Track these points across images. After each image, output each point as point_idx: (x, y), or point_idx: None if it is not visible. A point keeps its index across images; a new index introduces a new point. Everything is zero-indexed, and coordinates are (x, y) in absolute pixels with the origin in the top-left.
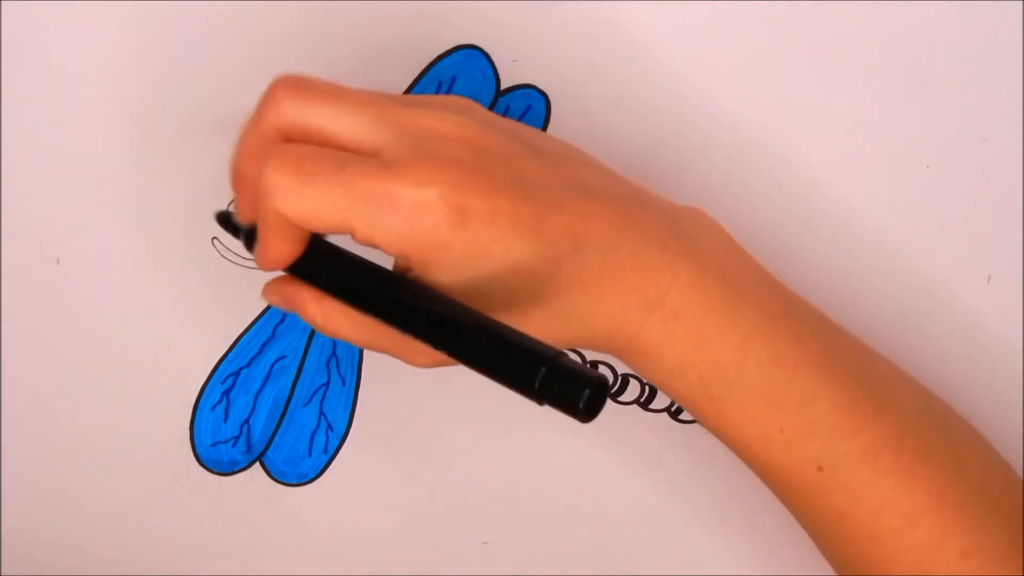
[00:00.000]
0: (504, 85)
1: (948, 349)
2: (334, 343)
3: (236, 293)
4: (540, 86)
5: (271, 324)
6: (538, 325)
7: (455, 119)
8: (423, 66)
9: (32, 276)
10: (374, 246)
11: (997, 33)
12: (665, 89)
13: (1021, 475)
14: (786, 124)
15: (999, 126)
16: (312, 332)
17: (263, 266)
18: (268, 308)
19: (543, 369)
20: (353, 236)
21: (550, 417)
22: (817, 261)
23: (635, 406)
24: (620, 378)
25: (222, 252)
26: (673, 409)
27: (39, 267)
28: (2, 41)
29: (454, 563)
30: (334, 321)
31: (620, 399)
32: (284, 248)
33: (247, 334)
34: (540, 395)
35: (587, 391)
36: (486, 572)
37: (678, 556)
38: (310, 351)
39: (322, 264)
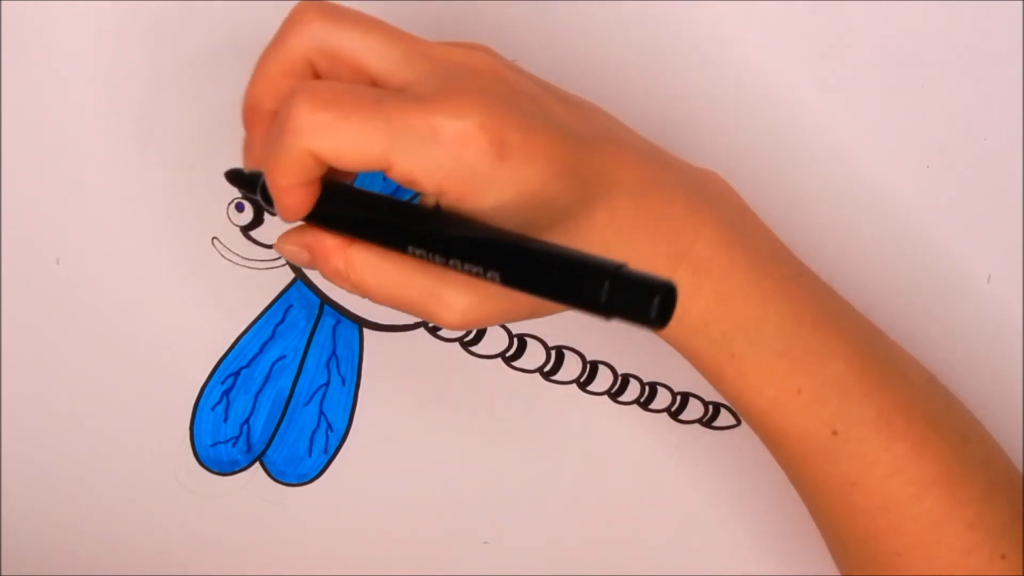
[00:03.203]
0: None
1: (948, 349)
2: (334, 343)
3: (236, 293)
4: None
5: (271, 324)
6: None
7: (485, 57)
8: None
9: (32, 276)
10: (410, 182)
11: (997, 33)
12: (665, 89)
13: (1018, 465)
14: (786, 124)
15: (999, 126)
16: (312, 332)
17: (287, 216)
18: (268, 308)
19: (607, 283)
20: (388, 173)
21: (550, 417)
22: (817, 261)
23: (635, 406)
24: (620, 378)
25: (222, 252)
26: (673, 409)
27: (39, 267)
28: (2, 41)
29: (454, 563)
30: (358, 270)
31: (620, 399)
32: (307, 191)
33: (247, 334)
34: (607, 310)
35: (656, 299)
36: (486, 572)
37: (678, 556)
38: (310, 351)
39: (347, 206)
